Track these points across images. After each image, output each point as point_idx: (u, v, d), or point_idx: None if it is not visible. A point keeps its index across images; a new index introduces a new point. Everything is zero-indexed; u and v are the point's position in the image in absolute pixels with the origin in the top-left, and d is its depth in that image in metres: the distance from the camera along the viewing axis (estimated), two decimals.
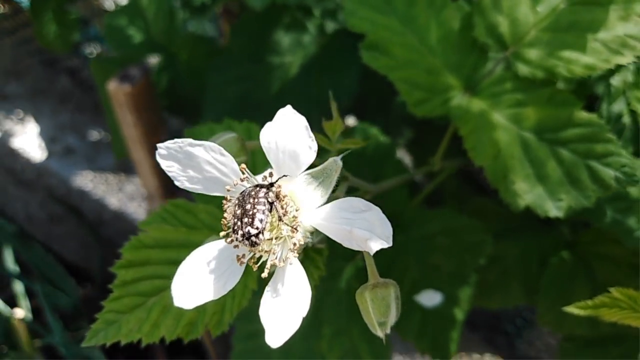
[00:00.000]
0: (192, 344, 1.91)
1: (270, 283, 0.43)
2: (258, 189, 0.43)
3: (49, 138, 1.89)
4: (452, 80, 0.72)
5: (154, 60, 1.33)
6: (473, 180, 1.14)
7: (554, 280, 0.96)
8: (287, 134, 0.42)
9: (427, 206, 1.02)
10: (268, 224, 0.42)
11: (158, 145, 0.43)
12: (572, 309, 0.70)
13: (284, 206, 0.42)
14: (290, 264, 0.42)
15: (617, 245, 0.93)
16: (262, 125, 0.88)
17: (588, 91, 0.84)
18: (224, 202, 0.43)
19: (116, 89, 1.04)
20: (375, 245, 0.39)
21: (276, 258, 0.42)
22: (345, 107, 1.08)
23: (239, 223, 0.42)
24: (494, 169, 0.67)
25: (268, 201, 0.42)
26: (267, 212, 0.42)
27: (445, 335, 0.93)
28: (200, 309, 0.59)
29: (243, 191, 0.43)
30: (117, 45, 1.20)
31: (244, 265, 0.44)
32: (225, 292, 0.43)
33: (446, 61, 0.72)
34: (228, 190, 0.43)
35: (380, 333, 0.49)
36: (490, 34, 0.69)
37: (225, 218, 0.43)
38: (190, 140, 0.43)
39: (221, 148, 0.43)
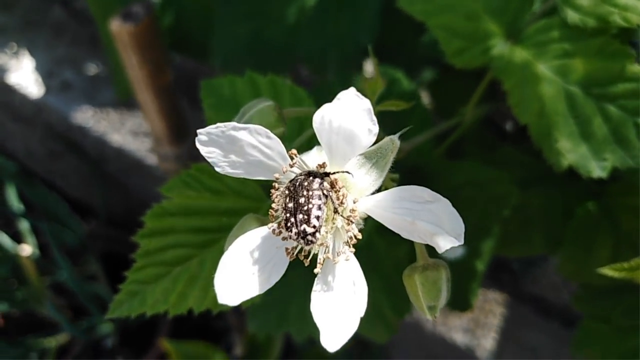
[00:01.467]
0: (198, 325, 1.92)
1: (320, 276, 0.40)
2: (312, 178, 0.39)
3: (45, 73, 1.81)
4: (494, 26, 0.66)
5: None
6: (496, 127, 1.09)
7: (578, 231, 0.94)
8: (345, 113, 0.37)
9: (448, 153, 0.98)
10: (324, 219, 0.38)
11: (198, 131, 0.38)
12: (606, 271, 0.68)
13: (340, 197, 0.38)
14: (346, 259, 0.39)
15: None
16: (279, 69, 0.82)
17: (631, 36, 0.78)
18: (272, 191, 0.39)
19: (119, 28, 0.97)
20: (445, 243, 0.35)
21: (329, 252, 0.39)
22: (364, 47, 1.02)
23: (292, 220, 0.38)
24: (538, 126, 0.63)
25: (323, 193, 0.38)
26: (323, 207, 0.38)
27: (466, 286, 0.92)
28: None
29: (294, 179, 0.39)
30: None
31: (288, 257, 0.40)
32: (270, 286, 0.40)
33: (487, 5, 0.65)
34: (277, 178, 0.39)
35: (429, 316, 0.46)
36: None
37: (272, 208, 0.39)
38: (233, 124, 0.38)
39: (267, 131, 0.38)
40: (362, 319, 0.89)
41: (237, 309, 1.58)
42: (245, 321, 1.53)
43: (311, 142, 0.46)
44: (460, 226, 0.36)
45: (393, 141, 0.41)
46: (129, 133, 1.87)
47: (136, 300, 0.55)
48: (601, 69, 0.62)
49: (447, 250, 0.97)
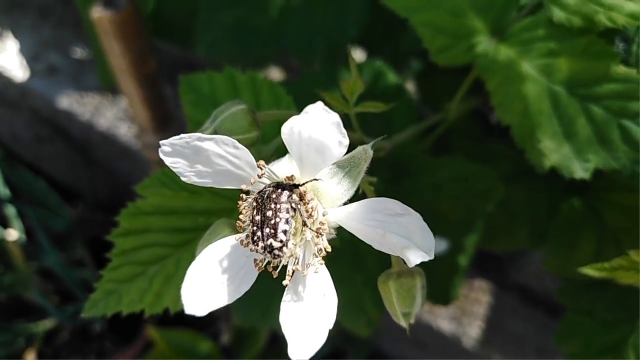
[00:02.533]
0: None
1: (290, 286, 0.39)
2: (280, 190, 0.38)
3: (30, 56, 1.78)
4: (479, 23, 0.65)
5: None
6: (483, 121, 1.09)
7: (562, 227, 0.94)
8: (315, 126, 0.36)
9: (434, 146, 0.98)
10: (292, 234, 0.37)
11: (161, 142, 0.37)
12: (588, 271, 0.68)
13: (309, 210, 0.37)
14: (315, 272, 0.38)
15: (630, 193, 0.90)
16: (263, 64, 0.80)
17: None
18: (239, 202, 0.38)
19: (101, 16, 0.95)
20: (415, 257, 0.34)
21: (299, 264, 0.38)
22: (351, 37, 1.00)
23: (259, 234, 0.37)
24: (522, 127, 0.62)
25: (292, 206, 0.37)
26: (291, 221, 0.37)
27: (449, 281, 0.92)
28: None
29: (262, 191, 0.38)
30: None
31: (258, 269, 0.39)
32: (240, 296, 0.39)
33: (473, 1, 0.64)
34: (245, 189, 0.38)
35: (403, 324, 0.46)
36: None
37: (240, 220, 0.38)
38: (198, 135, 0.37)
39: (235, 141, 0.37)
40: (345, 313, 0.89)
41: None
42: (231, 310, 1.53)
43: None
44: (431, 241, 0.35)
45: (366, 151, 0.40)
46: (115, 118, 1.85)
47: (112, 299, 0.55)
48: (586, 69, 0.61)
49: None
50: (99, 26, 0.97)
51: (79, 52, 1.87)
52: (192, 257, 0.56)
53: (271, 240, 0.37)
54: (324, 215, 0.38)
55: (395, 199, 0.93)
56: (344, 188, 0.39)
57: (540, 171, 0.64)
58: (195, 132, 0.62)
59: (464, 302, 1.63)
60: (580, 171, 0.63)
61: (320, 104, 0.37)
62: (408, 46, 1.04)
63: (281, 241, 0.37)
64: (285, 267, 0.39)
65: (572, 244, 0.93)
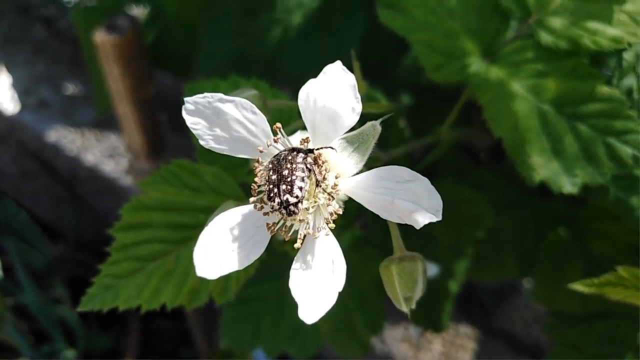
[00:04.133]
0: (165, 353, 1.87)
1: (299, 255, 0.40)
2: (295, 153, 0.39)
3: (22, 90, 1.80)
4: (471, 45, 0.68)
5: (138, 12, 1.26)
6: (471, 152, 1.12)
7: (549, 256, 0.95)
8: (330, 91, 0.38)
9: (423, 174, 1.00)
10: (306, 191, 0.38)
11: (185, 99, 0.39)
12: (577, 286, 0.69)
13: (322, 172, 0.39)
14: (326, 234, 0.39)
15: (615, 223, 0.92)
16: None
17: (601, 65, 0.82)
18: (255, 165, 0.40)
19: (103, 39, 0.98)
20: (423, 218, 0.36)
21: (310, 228, 0.39)
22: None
23: (275, 190, 0.38)
24: (512, 140, 0.65)
25: (307, 167, 0.39)
26: (306, 179, 0.39)
27: (439, 307, 0.92)
28: None
29: (278, 154, 0.40)
30: None
31: (269, 235, 0.40)
32: (250, 263, 0.40)
33: (465, 25, 0.68)
34: (261, 152, 0.39)
35: (405, 308, 0.47)
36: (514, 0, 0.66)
37: (255, 183, 0.40)
38: (220, 95, 0.38)
39: (253, 106, 0.39)
40: (336, 336, 0.88)
41: (207, 335, 1.53)
42: (214, 348, 1.50)
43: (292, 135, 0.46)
44: (439, 202, 0.36)
45: (374, 126, 0.42)
46: (103, 153, 1.85)
47: (109, 294, 0.54)
48: (573, 89, 0.65)
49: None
50: (100, 49, 1.00)
51: (71, 88, 1.90)
52: (191, 255, 0.56)
53: (287, 196, 0.38)
54: (336, 178, 0.39)
55: (387, 222, 0.93)
56: (352, 161, 0.41)
57: (530, 184, 0.66)
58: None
59: (449, 348, 1.63)
60: (569, 185, 0.66)
61: (339, 63, 0.39)
62: (399, 81, 1.08)
63: (297, 196, 0.38)
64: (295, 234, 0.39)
65: (559, 273, 0.94)
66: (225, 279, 0.55)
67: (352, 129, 0.40)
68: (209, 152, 0.63)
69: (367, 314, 0.85)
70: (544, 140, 0.66)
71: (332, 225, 0.39)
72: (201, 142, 0.40)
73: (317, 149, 0.39)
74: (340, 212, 0.39)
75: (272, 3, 1.05)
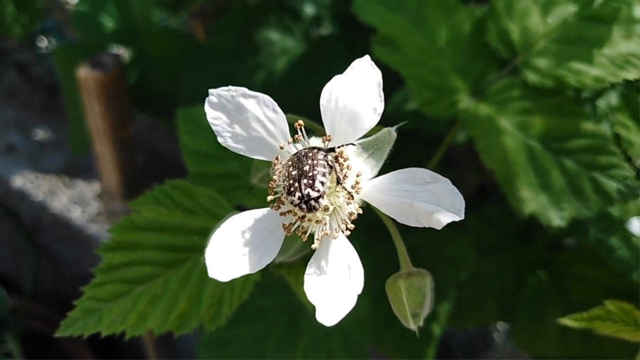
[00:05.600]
0: (128, 345, 1.78)
1: (313, 260, 0.39)
2: (316, 150, 0.39)
3: None
4: (459, 83, 0.71)
5: (121, 53, 1.26)
6: None
7: (530, 300, 0.95)
8: (353, 90, 0.38)
9: None
10: (327, 187, 0.38)
11: (210, 91, 0.39)
12: (566, 321, 0.69)
13: (344, 170, 0.38)
14: (342, 234, 0.38)
15: (593, 266, 0.94)
16: None
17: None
18: (274, 162, 0.39)
19: (87, 75, 0.98)
20: (445, 217, 0.35)
21: (327, 229, 0.38)
22: None
23: (296, 184, 0.37)
24: (503, 172, 0.66)
25: (328, 164, 0.38)
26: (327, 175, 0.38)
27: (422, 350, 0.90)
28: (195, 300, 0.53)
29: (298, 152, 0.39)
30: (85, 32, 1.13)
31: (281, 240, 0.39)
32: (262, 267, 0.38)
33: (454, 64, 0.70)
34: (281, 148, 0.39)
35: (413, 326, 0.45)
36: (502, 40, 0.69)
37: (274, 181, 0.39)
38: (244, 89, 0.38)
39: (275, 104, 0.39)
40: None
41: None
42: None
43: None
44: (461, 202, 0.36)
45: (390, 133, 0.42)
46: (71, 200, 1.80)
47: (92, 318, 0.51)
48: (558, 126, 0.67)
49: None
50: (83, 85, 0.99)
51: (41, 134, 1.86)
52: (182, 278, 0.54)
53: (309, 190, 0.37)
54: (357, 176, 0.38)
55: (373, 260, 0.92)
56: (368, 167, 0.40)
57: (521, 217, 0.67)
58: (190, 159, 0.62)
59: None
60: (557, 219, 0.67)
61: (367, 57, 0.39)
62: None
63: (318, 190, 0.37)
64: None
65: (539, 317, 0.94)
66: (217, 304, 0.53)
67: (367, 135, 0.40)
68: (202, 177, 0.62)
69: (350, 357, 0.82)
70: (532, 175, 0.67)
71: (352, 226, 0.38)
72: (219, 140, 0.39)
73: (339, 147, 0.38)
74: (360, 212, 0.38)
75: (258, 49, 1.07)
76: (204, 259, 0.38)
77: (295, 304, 0.87)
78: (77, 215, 1.79)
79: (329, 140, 0.39)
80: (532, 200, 0.66)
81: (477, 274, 0.98)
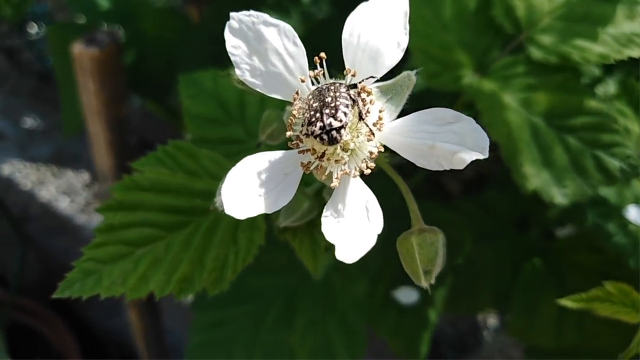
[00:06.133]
0: (112, 340, 1.75)
1: (329, 203, 0.38)
2: (338, 84, 0.37)
3: None
4: (464, 58, 0.70)
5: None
6: (441, 189, 1.13)
7: (525, 287, 0.95)
8: (377, 22, 0.37)
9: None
10: (350, 120, 0.37)
11: (231, 14, 0.37)
12: (566, 302, 0.69)
13: (367, 103, 0.37)
14: (357, 180, 0.37)
15: (589, 253, 0.94)
16: None
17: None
18: (294, 96, 0.38)
19: (81, 52, 0.96)
20: (469, 156, 0.34)
21: (347, 168, 0.37)
22: None
23: (317, 115, 0.36)
24: (507, 147, 0.65)
25: (350, 97, 0.37)
26: (350, 108, 0.36)
27: (418, 335, 0.89)
28: (198, 263, 0.52)
29: (319, 87, 0.38)
30: (81, 11, 1.11)
31: (297, 184, 0.38)
32: (277, 209, 0.37)
33: (459, 39, 0.70)
34: (302, 81, 0.38)
35: (424, 283, 0.44)
36: (507, 16, 0.69)
37: (294, 115, 0.37)
38: (265, 16, 0.37)
39: (296, 35, 0.37)
40: None
41: None
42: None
43: None
44: (485, 140, 0.35)
45: (410, 77, 0.40)
46: (59, 190, 1.78)
47: (90, 279, 0.49)
48: (562, 103, 0.67)
49: (401, 295, 0.95)
50: (77, 62, 0.98)
51: (29, 122, 1.83)
52: (185, 241, 0.53)
53: (331, 119, 0.36)
54: (380, 111, 0.37)
55: None
56: (386, 112, 0.39)
57: (525, 193, 0.67)
58: (192, 124, 0.61)
59: None
60: (559, 197, 0.66)
61: None
62: None
63: (341, 120, 0.36)
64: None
65: (534, 305, 0.94)
66: (221, 268, 0.51)
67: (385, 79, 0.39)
68: (204, 142, 0.61)
69: (347, 338, 0.81)
70: (535, 151, 0.67)
71: (372, 165, 0.37)
72: (237, 72, 0.38)
73: (360, 82, 0.37)
74: (382, 151, 0.37)
75: None
76: (219, 204, 0.37)
77: (291, 284, 0.86)
78: (65, 205, 1.76)
79: (352, 76, 0.38)
80: (535, 177, 0.66)
81: (473, 260, 0.97)
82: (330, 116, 0.36)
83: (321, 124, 0.36)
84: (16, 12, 1.28)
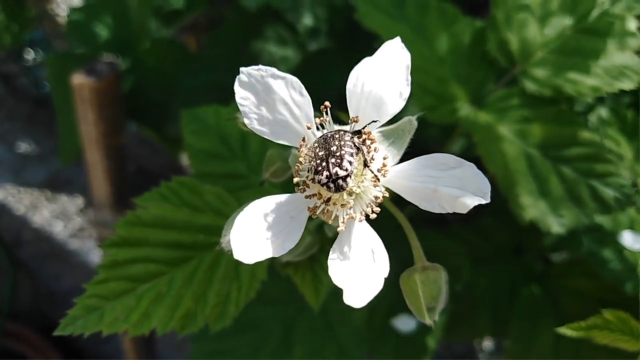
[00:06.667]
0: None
1: (335, 246, 0.38)
2: (342, 132, 0.39)
3: None
4: (459, 91, 0.72)
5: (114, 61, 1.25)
6: (438, 215, 1.13)
7: (522, 313, 0.95)
8: (380, 73, 0.39)
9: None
10: (355, 167, 0.38)
11: (241, 69, 0.38)
12: (564, 330, 0.69)
13: (371, 152, 0.38)
14: (362, 223, 0.38)
15: (585, 279, 0.95)
16: None
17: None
18: (300, 144, 0.39)
19: (81, 82, 0.97)
20: (471, 201, 0.35)
21: (353, 212, 0.38)
22: None
23: (323, 164, 0.37)
24: (504, 178, 0.67)
25: (355, 145, 0.38)
26: (354, 156, 0.38)
27: None
28: (201, 299, 0.52)
29: (324, 134, 0.39)
30: (80, 42, 1.12)
31: (303, 227, 0.39)
32: (285, 252, 0.38)
33: (455, 72, 0.72)
34: (308, 128, 0.39)
35: (428, 320, 0.45)
36: (501, 50, 0.71)
37: (300, 163, 0.38)
38: (273, 70, 0.38)
39: (302, 86, 0.39)
40: None
41: None
42: None
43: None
44: (487, 185, 0.36)
45: (411, 122, 0.42)
46: (53, 215, 1.77)
47: (93, 316, 0.50)
48: (556, 134, 0.68)
49: (400, 323, 0.95)
50: (77, 92, 0.98)
51: (24, 147, 1.83)
52: (188, 277, 0.53)
53: (337, 169, 0.37)
54: (384, 158, 0.38)
55: None
56: (389, 155, 0.40)
57: (522, 223, 0.68)
58: (195, 159, 0.62)
59: None
60: (556, 226, 0.67)
61: (398, 39, 0.39)
62: None
63: (346, 169, 0.37)
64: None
65: (532, 331, 0.94)
66: (224, 303, 0.52)
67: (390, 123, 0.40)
68: (207, 177, 0.61)
69: None
70: (531, 182, 0.68)
71: (378, 209, 0.38)
72: (246, 121, 0.39)
73: (364, 128, 0.38)
74: (387, 196, 0.38)
75: (254, 60, 1.07)
76: (225, 245, 0.38)
77: (290, 313, 0.86)
78: (58, 230, 1.76)
79: (356, 122, 0.39)
80: (531, 207, 0.67)
81: (471, 286, 0.98)
82: (336, 165, 0.37)
83: (327, 173, 0.37)
84: (15, 40, 1.29)
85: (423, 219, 1.12)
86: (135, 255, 0.52)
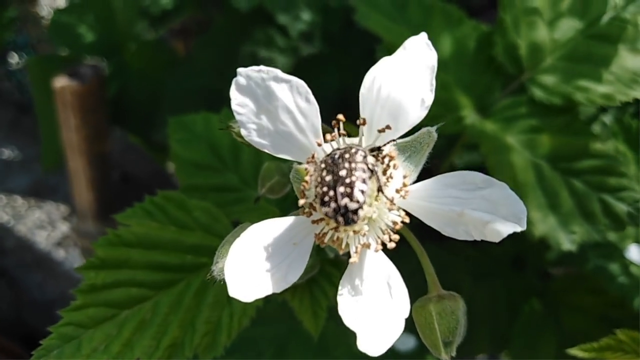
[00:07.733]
0: None
1: (345, 278, 0.33)
2: (354, 151, 0.33)
3: None
4: (464, 99, 0.68)
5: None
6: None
7: (523, 328, 0.92)
8: (401, 75, 0.33)
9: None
10: (368, 197, 0.32)
11: (239, 70, 0.33)
12: (576, 352, 0.65)
13: (388, 172, 0.33)
14: (377, 252, 0.33)
15: (588, 294, 0.91)
16: None
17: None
18: (308, 160, 0.34)
19: (63, 85, 0.92)
20: (505, 228, 0.30)
21: (367, 240, 0.33)
22: None
23: (331, 193, 0.31)
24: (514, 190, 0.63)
25: (368, 167, 0.32)
26: (367, 181, 0.32)
27: None
28: (189, 327, 0.47)
29: (332, 152, 0.33)
30: (64, 44, 1.08)
31: (308, 254, 0.34)
32: (287, 286, 0.33)
33: (459, 78, 0.68)
34: (318, 145, 0.33)
35: (445, 356, 0.40)
36: (509, 55, 0.67)
37: (306, 182, 0.33)
38: (277, 72, 0.33)
39: (309, 91, 0.33)
40: None
41: None
42: None
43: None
44: (522, 209, 0.31)
45: (430, 133, 0.36)
46: (36, 224, 1.71)
47: (69, 346, 0.45)
48: (567, 145, 0.65)
49: (398, 341, 0.91)
50: (59, 97, 0.94)
51: (6, 154, 1.78)
52: (174, 302, 0.48)
53: (346, 201, 0.31)
54: (404, 177, 0.33)
55: None
56: (404, 173, 0.35)
57: (531, 239, 0.64)
58: (182, 171, 0.57)
59: None
60: (567, 243, 0.64)
61: (424, 36, 0.34)
62: None
63: (357, 201, 0.31)
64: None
65: (533, 347, 0.91)
66: (214, 332, 0.47)
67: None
68: (195, 190, 0.57)
69: None
70: (541, 195, 0.64)
71: (396, 237, 0.33)
72: (243, 132, 0.34)
73: (383, 146, 0.33)
74: (407, 221, 0.33)
75: (246, 61, 1.03)
76: (217, 273, 0.33)
77: (282, 333, 0.82)
78: (42, 238, 1.70)
79: (368, 134, 0.34)
80: (541, 222, 0.63)
81: (470, 300, 0.94)
82: (346, 196, 0.31)
83: (335, 206, 0.31)
84: None
85: (419, 232, 1.08)
86: (116, 278, 0.47)
